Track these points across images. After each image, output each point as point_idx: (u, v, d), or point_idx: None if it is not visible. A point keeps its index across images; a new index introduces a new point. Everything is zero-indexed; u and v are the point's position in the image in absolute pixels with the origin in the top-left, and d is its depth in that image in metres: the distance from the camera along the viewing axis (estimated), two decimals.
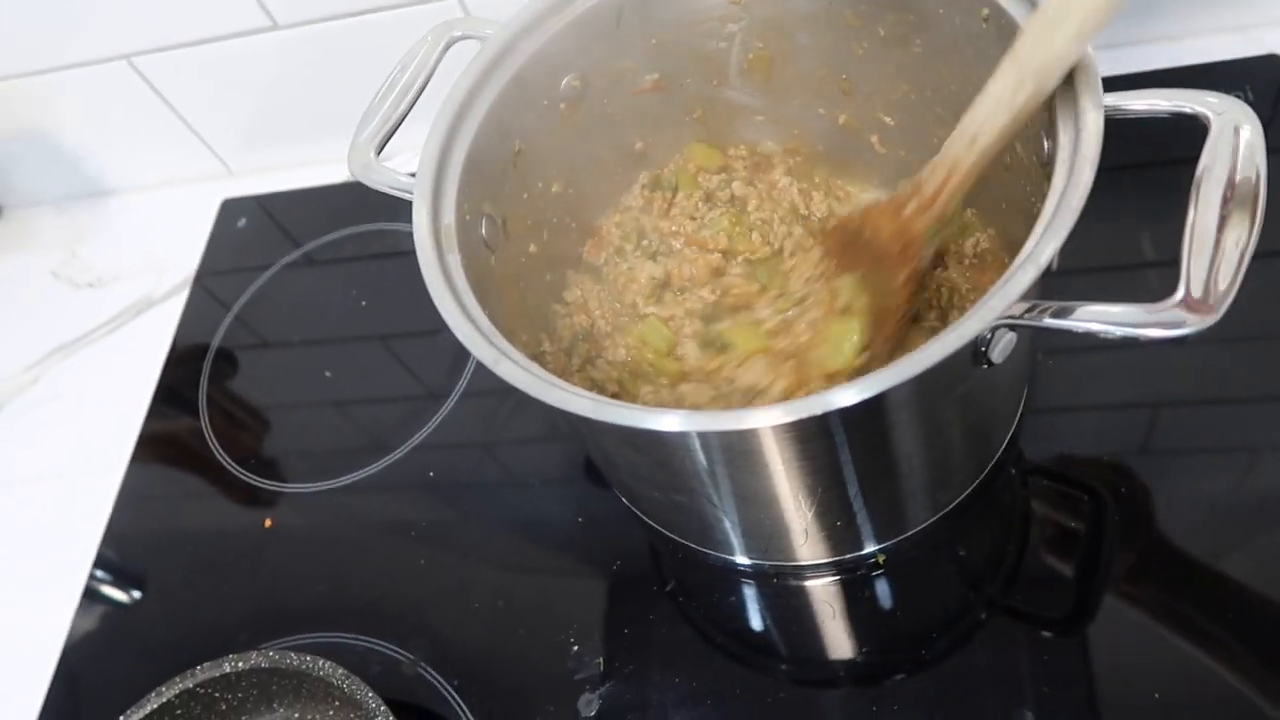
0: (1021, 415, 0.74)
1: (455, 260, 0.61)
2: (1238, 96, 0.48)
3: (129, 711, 0.70)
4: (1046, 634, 0.67)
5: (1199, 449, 0.72)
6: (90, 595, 0.87)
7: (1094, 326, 0.47)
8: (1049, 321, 0.47)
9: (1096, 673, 0.64)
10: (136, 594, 0.87)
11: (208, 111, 1.10)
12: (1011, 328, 0.49)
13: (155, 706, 0.70)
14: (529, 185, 0.74)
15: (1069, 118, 0.54)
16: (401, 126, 0.70)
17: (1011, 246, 0.59)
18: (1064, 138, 0.53)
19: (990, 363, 0.50)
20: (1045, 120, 0.56)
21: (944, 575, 0.71)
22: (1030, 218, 0.51)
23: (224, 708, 0.73)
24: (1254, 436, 0.71)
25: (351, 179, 0.69)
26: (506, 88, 0.69)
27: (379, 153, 0.69)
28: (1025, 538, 0.71)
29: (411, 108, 0.70)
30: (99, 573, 0.89)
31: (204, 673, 0.71)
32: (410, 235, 0.62)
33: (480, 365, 0.57)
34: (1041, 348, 0.76)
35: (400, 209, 0.64)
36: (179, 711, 0.71)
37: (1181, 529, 0.68)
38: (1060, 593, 0.68)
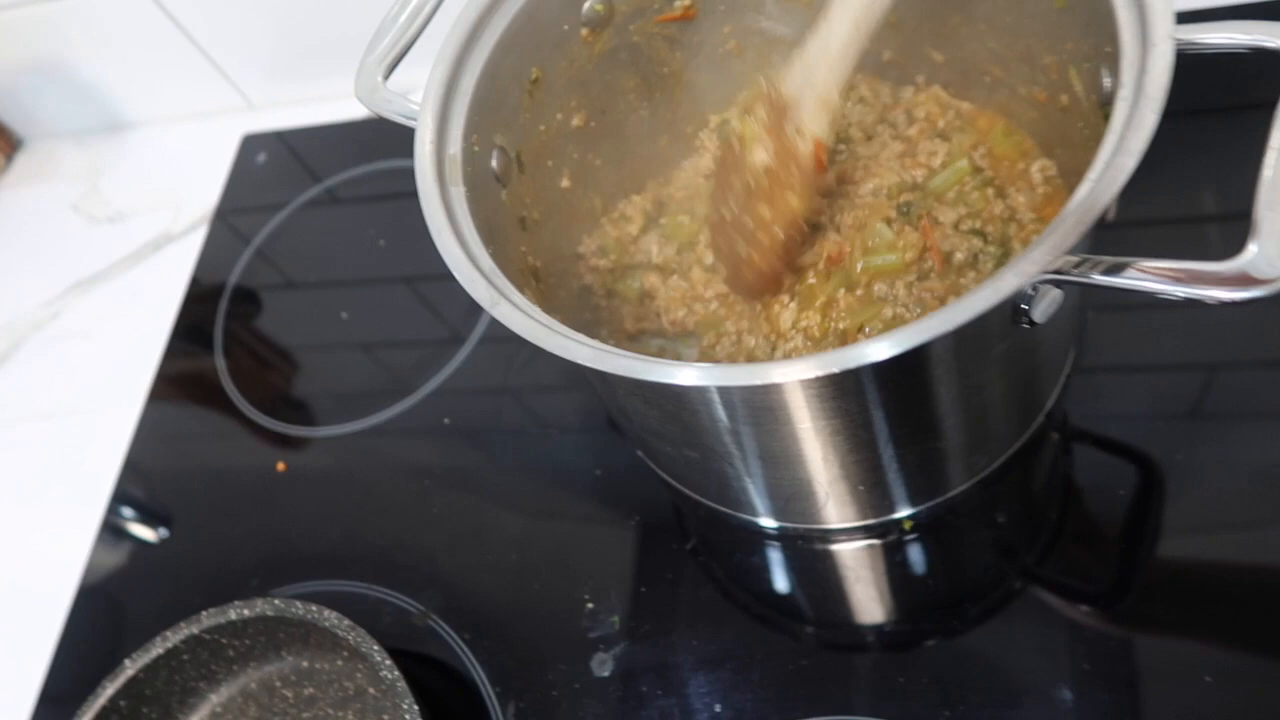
0: (1069, 375, 0.70)
1: (459, 193, 0.58)
2: None
3: (134, 655, 0.69)
4: (1086, 609, 0.63)
5: (1257, 414, 0.67)
6: (108, 530, 0.87)
7: (1152, 286, 0.42)
8: (1099, 279, 0.43)
9: (1140, 652, 0.60)
10: (153, 532, 0.87)
11: (228, 44, 1.07)
12: (1058, 284, 0.44)
13: (162, 651, 0.69)
14: (547, 117, 0.70)
15: (1134, 51, 0.49)
16: (417, 50, 0.66)
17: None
18: (1127, 74, 0.48)
19: (1032, 322, 0.46)
20: (1107, 53, 0.50)
21: (980, 543, 0.68)
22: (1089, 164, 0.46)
23: (231, 654, 0.72)
24: None
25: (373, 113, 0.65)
26: (524, 8, 0.65)
27: (387, 77, 0.64)
28: (1067, 506, 0.67)
29: (425, 28, 0.66)
30: (117, 509, 0.88)
31: (210, 619, 0.70)
32: None
33: None
34: (1092, 304, 0.71)
35: None
36: (185, 657, 0.71)
37: (1237, 500, 0.63)
38: (1103, 566, 0.64)
